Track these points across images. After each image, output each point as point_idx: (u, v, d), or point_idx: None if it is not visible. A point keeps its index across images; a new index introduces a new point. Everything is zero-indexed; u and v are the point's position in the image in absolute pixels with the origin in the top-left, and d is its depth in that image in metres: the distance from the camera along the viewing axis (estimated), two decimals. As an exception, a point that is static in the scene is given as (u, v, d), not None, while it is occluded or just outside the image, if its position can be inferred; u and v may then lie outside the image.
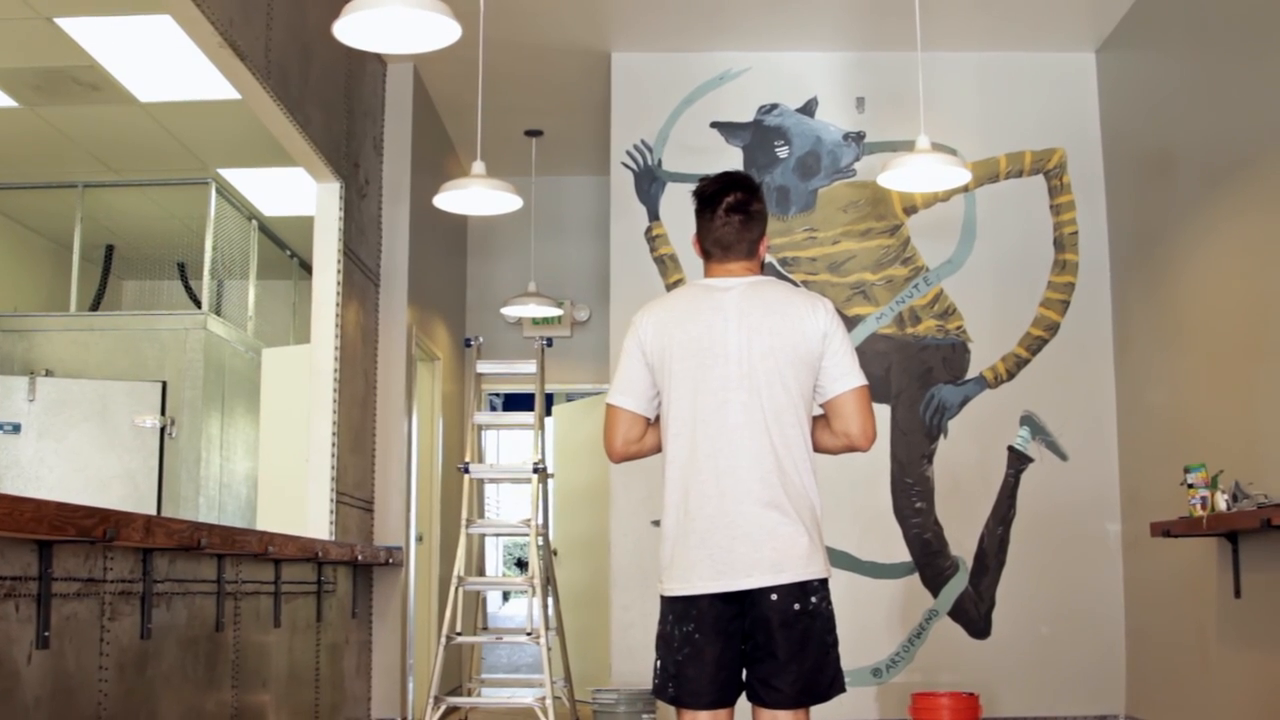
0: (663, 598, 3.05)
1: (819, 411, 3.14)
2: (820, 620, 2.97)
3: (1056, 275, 6.88)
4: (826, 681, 2.97)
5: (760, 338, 3.04)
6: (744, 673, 3.00)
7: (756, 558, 2.94)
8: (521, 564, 21.39)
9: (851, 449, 3.13)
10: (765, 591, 2.93)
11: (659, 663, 3.04)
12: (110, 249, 9.78)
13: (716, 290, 3.13)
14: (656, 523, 6.55)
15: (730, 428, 3.01)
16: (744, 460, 2.99)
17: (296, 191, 8.36)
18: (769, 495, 2.97)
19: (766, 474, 2.98)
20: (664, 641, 3.03)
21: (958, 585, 6.67)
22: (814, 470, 3.07)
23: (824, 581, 3.00)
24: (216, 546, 4.09)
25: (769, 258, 6.84)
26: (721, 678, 2.97)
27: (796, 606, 2.94)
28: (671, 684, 3.00)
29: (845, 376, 3.08)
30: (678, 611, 3.00)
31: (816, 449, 3.13)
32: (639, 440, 3.15)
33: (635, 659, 6.57)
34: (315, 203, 6.22)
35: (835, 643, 3.01)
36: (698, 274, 7.03)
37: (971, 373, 6.83)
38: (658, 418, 3.15)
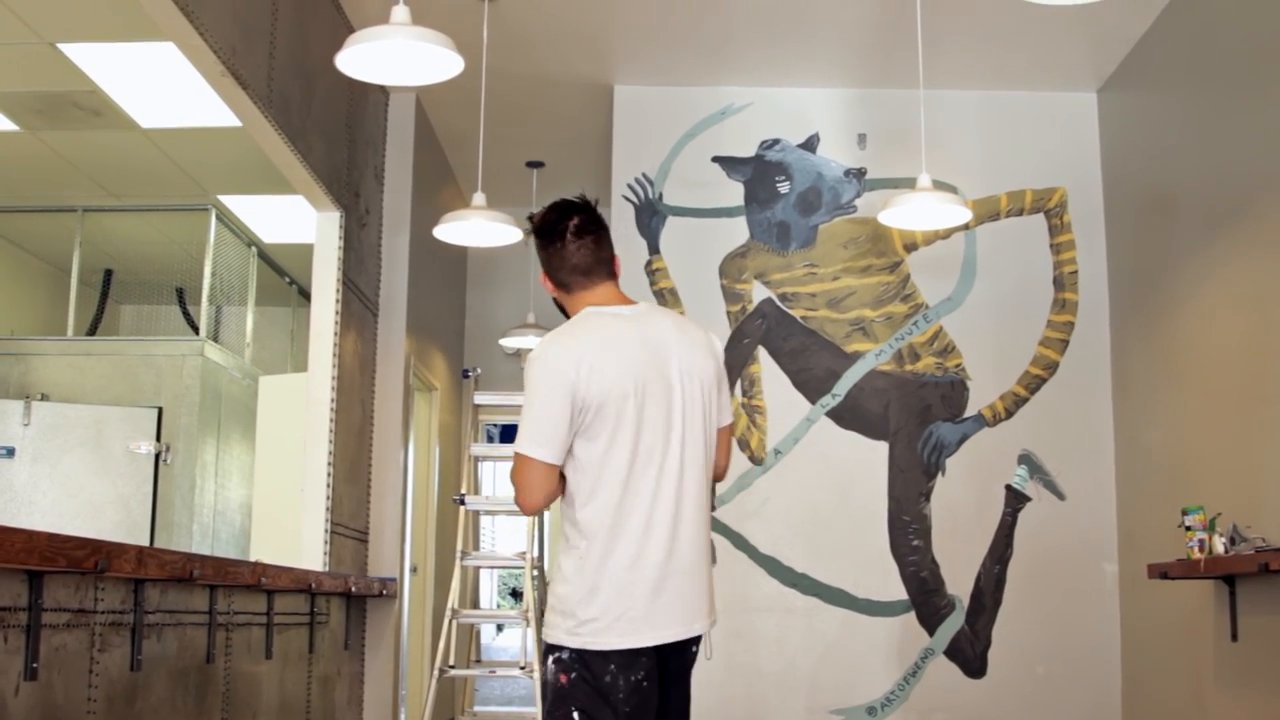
0: (590, 652, 2.71)
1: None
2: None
3: (1056, 314, 6.88)
4: None
5: (689, 375, 2.86)
6: None
7: (699, 606, 2.82)
8: (516, 594, 21.31)
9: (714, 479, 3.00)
10: (691, 641, 2.83)
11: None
12: (109, 273, 9.79)
13: (625, 319, 2.87)
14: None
15: (672, 469, 2.79)
16: (688, 502, 2.80)
17: (296, 219, 8.37)
18: (706, 538, 2.85)
19: (705, 515, 2.84)
20: (599, 696, 2.70)
21: (954, 624, 6.63)
22: None
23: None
24: (209, 578, 4.05)
25: (771, 294, 6.84)
26: None
27: (694, 653, 2.87)
28: None
29: (727, 408, 2.99)
30: (621, 662, 2.70)
31: None
32: (556, 492, 2.82)
33: (629, 694, 6.51)
34: (315, 231, 6.21)
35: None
36: (698, 308, 7.01)
37: (970, 411, 6.80)
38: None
